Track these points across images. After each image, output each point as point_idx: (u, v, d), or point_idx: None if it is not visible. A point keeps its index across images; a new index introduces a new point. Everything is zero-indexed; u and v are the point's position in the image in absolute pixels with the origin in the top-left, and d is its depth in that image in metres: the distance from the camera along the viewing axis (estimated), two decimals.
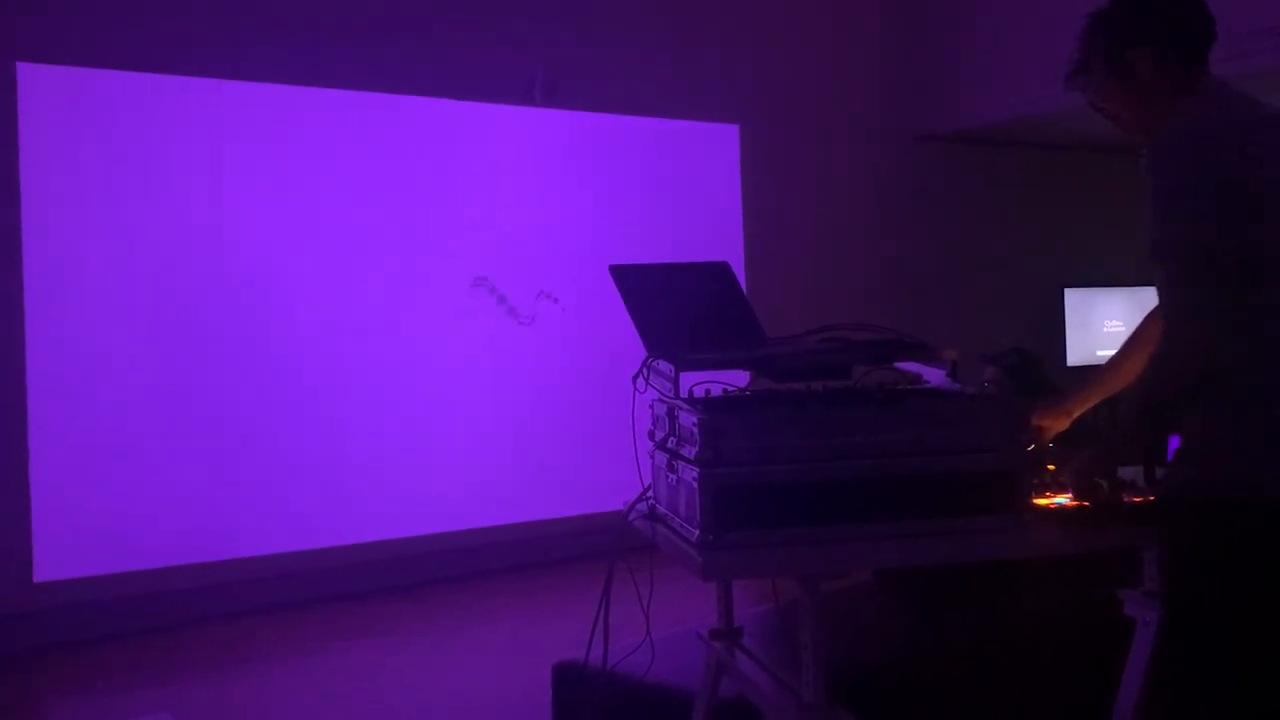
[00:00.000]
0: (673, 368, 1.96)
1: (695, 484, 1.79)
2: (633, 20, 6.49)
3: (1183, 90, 1.96)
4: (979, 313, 7.50)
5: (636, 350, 2.11)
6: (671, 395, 1.99)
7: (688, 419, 1.87)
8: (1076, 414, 2.22)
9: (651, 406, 2.18)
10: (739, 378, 2.14)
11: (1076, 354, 7.93)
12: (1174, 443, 1.93)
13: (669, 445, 2.00)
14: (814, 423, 1.82)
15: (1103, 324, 8.12)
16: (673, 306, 2.23)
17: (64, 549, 4.84)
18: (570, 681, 2.88)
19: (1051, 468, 2.10)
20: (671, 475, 1.95)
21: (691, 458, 1.83)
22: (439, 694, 4.12)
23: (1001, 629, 2.99)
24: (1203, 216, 1.80)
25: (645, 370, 2.10)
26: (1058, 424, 2.21)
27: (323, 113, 5.54)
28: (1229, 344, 1.83)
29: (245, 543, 5.23)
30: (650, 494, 2.13)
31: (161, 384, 5.10)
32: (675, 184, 6.60)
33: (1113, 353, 2.29)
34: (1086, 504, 1.95)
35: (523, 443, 6.01)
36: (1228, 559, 1.80)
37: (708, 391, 2.05)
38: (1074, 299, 8.05)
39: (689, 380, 1.99)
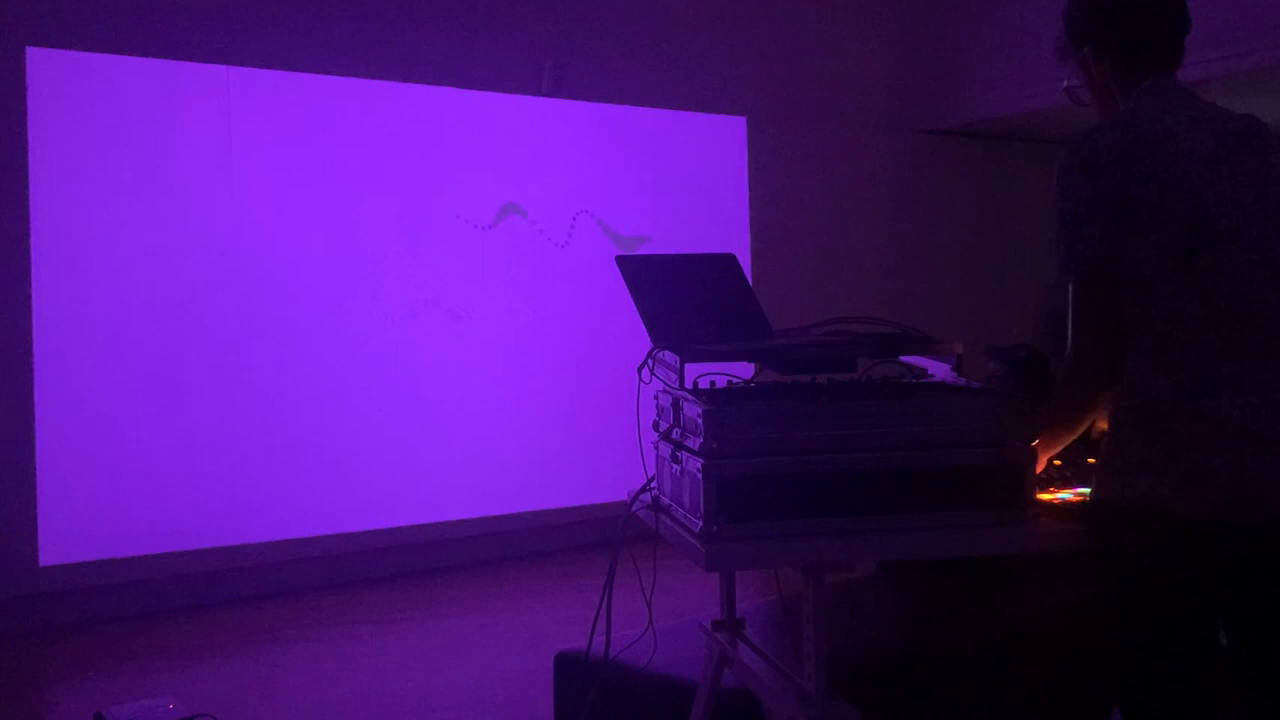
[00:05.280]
0: (678, 359, 1.96)
1: (699, 475, 1.78)
2: (640, 11, 6.48)
3: (1122, 91, 1.94)
4: (986, 307, 7.49)
5: (642, 341, 2.11)
6: (676, 386, 1.98)
7: (692, 410, 1.87)
8: None
9: (656, 398, 2.17)
10: (744, 370, 2.13)
11: None
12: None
13: (673, 436, 2.00)
14: (819, 415, 1.81)
15: None
16: (678, 298, 2.22)
17: (69, 534, 4.86)
18: (572, 671, 2.89)
19: (1058, 462, 2.10)
20: (676, 466, 1.95)
21: (696, 449, 1.82)
22: (441, 682, 4.13)
23: (1003, 623, 2.98)
24: (1088, 236, 1.81)
25: (650, 361, 2.09)
26: None
27: (331, 101, 5.54)
28: (1128, 359, 1.84)
29: (248, 529, 5.25)
30: (654, 485, 2.13)
31: (166, 370, 5.11)
32: (682, 176, 6.59)
33: None
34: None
35: (527, 433, 6.02)
36: (1128, 566, 1.80)
37: (712, 383, 2.05)
38: None
39: (694, 371, 1.99)
